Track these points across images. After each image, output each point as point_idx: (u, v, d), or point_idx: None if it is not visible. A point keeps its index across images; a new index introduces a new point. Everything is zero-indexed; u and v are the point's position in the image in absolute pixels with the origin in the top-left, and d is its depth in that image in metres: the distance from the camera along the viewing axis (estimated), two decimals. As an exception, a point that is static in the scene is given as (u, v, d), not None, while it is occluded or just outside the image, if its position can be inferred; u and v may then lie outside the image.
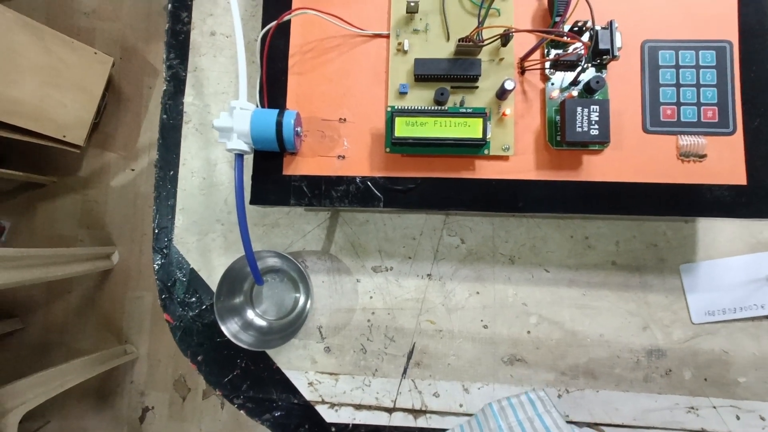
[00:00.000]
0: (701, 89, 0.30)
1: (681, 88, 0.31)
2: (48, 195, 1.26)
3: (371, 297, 0.37)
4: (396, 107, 0.30)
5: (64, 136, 1.07)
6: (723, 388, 0.35)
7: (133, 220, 1.25)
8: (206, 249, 0.38)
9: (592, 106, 0.29)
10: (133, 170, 1.26)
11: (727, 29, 0.31)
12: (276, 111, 0.30)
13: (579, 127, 0.28)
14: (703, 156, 0.30)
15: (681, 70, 0.31)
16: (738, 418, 0.34)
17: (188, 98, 0.39)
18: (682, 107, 0.31)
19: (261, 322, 0.36)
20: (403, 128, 0.29)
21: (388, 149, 0.31)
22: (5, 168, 1.13)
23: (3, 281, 0.82)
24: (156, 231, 0.38)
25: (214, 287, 0.37)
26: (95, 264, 1.14)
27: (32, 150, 1.07)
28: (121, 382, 1.17)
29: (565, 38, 0.29)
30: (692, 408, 0.35)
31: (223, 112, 0.30)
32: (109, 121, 1.25)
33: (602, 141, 0.29)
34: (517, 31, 0.29)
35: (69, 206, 1.26)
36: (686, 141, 0.30)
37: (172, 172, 0.39)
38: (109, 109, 1.24)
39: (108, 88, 1.18)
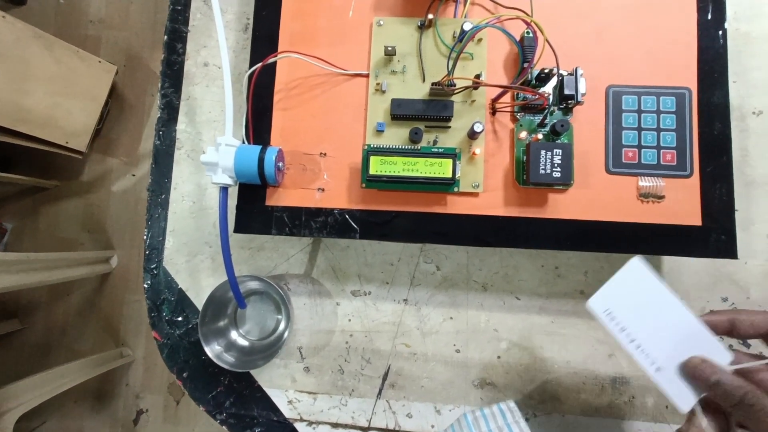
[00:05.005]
0: (661, 133, 0.32)
1: (642, 132, 0.32)
2: (51, 198, 1.29)
3: (350, 320, 0.39)
4: (372, 146, 0.32)
5: (67, 143, 1.10)
6: (683, 415, 0.36)
7: (134, 225, 1.27)
8: (195, 270, 0.40)
9: (555, 150, 0.30)
10: (134, 176, 1.28)
11: (687, 77, 0.32)
12: (259, 147, 0.32)
13: (542, 169, 0.30)
14: (662, 197, 0.32)
15: (643, 115, 0.33)
16: (697, 445, 0.36)
17: (181, 125, 0.41)
18: (643, 150, 0.32)
19: (244, 342, 0.38)
20: (378, 166, 0.31)
21: (363, 185, 0.33)
22: (10, 172, 1.16)
23: (5, 285, 0.85)
24: (147, 252, 0.40)
25: (200, 307, 0.39)
26: (94, 268, 1.17)
27: (36, 154, 1.09)
28: (117, 384, 1.19)
29: (527, 92, 0.31)
30: (654, 434, 0.36)
31: (210, 146, 0.32)
32: (112, 128, 1.28)
33: (564, 183, 0.30)
34: (483, 85, 0.31)
35: (71, 210, 1.29)
36: (646, 183, 0.32)
37: (164, 196, 0.41)
38: (111, 115, 1.27)
39: (111, 95, 1.21)
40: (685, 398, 0.25)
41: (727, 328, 0.26)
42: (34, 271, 0.94)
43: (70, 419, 1.20)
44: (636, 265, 0.27)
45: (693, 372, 0.24)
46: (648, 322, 0.26)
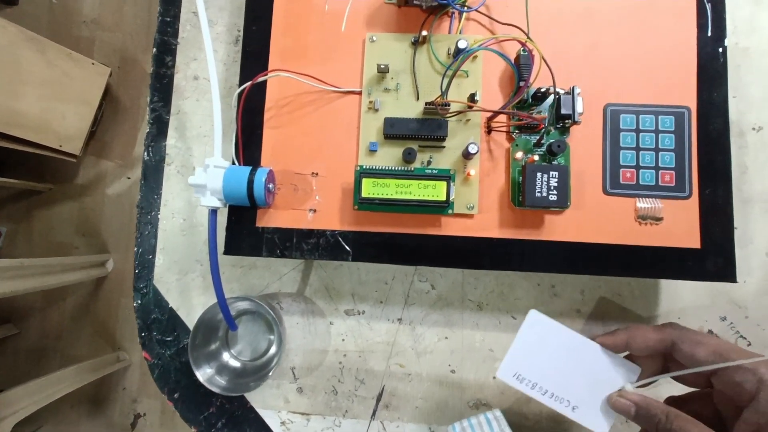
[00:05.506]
0: (660, 153, 0.32)
1: (640, 152, 0.32)
2: (45, 202, 1.27)
3: (343, 339, 0.38)
4: (364, 167, 0.31)
5: (61, 146, 1.09)
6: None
7: (129, 228, 1.26)
8: (185, 288, 0.39)
9: (551, 172, 0.30)
10: (128, 178, 1.27)
11: (686, 95, 0.32)
12: (248, 169, 0.31)
13: (538, 192, 0.30)
14: (660, 219, 0.31)
15: (641, 134, 0.32)
16: (694, 466, 0.35)
17: (171, 140, 0.41)
18: (641, 170, 0.32)
19: (236, 364, 0.37)
20: (370, 188, 0.30)
21: (356, 207, 0.32)
22: (3, 176, 1.15)
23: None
24: (137, 271, 0.39)
25: (191, 326, 0.38)
26: (90, 272, 1.16)
27: (30, 158, 1.08)
28: (113, 388, 1.19)
29: (522, 116, 0.30)
30: (650, 455, 0.36)
31: (198, 168, 0.31)
32: (106, 130, 1.27)
33: (561, 206, 0.30)
34: (477, 110, 0.30)
35: (65, 213, 1.28)
36: (644, 204, 0.31)
37: (153, 213, 0.40)
38: (105, 117, 1.26)
39: (105, 97, 1.19)
40: (601, 424, 0.27)
41: (624, 347, 0.27)
42: (29, 277, 0.93)
43: (66, 424, 1.19)
44: (534, 318, 0.28)
45: (615, 408, 0.26)
46: (555, 369, 0.27)
